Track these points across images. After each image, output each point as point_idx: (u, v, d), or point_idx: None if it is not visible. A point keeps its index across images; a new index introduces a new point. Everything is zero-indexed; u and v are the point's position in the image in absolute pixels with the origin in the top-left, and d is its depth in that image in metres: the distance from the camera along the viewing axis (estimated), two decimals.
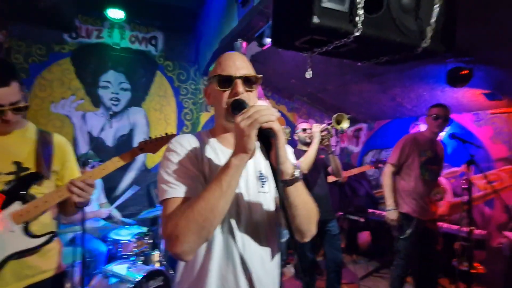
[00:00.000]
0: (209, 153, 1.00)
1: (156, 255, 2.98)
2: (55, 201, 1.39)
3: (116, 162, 1.55)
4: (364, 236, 4.80)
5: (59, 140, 1.52)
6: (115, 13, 3.87)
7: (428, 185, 2.75)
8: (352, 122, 5.24)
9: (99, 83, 4.05)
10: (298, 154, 2.79)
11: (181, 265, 1.00)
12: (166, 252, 3.01)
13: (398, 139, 2.87)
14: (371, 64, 1.64)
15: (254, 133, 0.78)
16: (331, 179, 3.12)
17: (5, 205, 1.34)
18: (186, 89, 4.57)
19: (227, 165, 0.82)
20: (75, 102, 3.91)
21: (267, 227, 1.00)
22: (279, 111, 5.27)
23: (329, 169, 2.98)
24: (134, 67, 4.22)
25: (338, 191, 4.70)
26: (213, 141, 1.04)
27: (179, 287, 0.99)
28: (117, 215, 3.27)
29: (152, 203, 4.14)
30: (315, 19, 1.15)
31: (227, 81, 0.96)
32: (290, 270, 3.94)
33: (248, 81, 0.97)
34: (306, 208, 0.93)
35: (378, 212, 4.40)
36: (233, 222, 0.95)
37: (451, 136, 2.99)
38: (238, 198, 0.96)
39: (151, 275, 2.54)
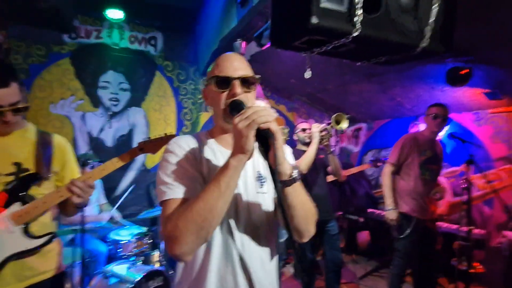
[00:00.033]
0: (208, 154, 1.00)
1: (156, 255, 2.98)
2: (55, 202, 1.39)
3: (115, 163, 1.55)
4: (364, 236, 4.80)
5: (59, 141, 1.52)
6: (115, 14, 3.86)
7: (428, 184, 2.76)
8: (352, 121, 5.24)
9: (98, 83, 4.04)
10: (298, 154, 2.79)
11: (180, 265, 1.00)
12: (166, 252, 3.01)
13: (398, 139, 2.87)
14: (371, 64, 1.64)
15: (252, 134, 0.78)
16: (330, 178, 3.12)
17: (5, 206, 1.34)
18: (186, 89, 4.58)
19: (225, 165, 0.82)
20: (74, 102, 3.91)
21: (266, 227, 1.01)
22: (279, 111, 5.28)
23: (329, 169, 2.98)
24: (133, 67, 4.22)
25: (337, 191, 4.71)
26: (211, 142, 1.04)
27: None
28: (117, 216, 3.26)
29: (151, 203, 4.14)
30: (314, 19, 1.15)
31: (225, 82, 0.96)
32: (290, 270, 3.94)
33: (246, 82, 0.97)
34: (304, 209, 0.93)
35: (377, 212, 4.40)
36: (232, 222, 0.95)
37: (451, 135, 2.99)
38: (237, 198, 0.96)
39: (150, 275, 2.54)
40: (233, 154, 0.81)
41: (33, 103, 3.66)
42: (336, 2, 1.19)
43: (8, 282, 1.31)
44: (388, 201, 2.77)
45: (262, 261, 0.98)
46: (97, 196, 3.34)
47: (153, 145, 1.65)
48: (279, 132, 0.81)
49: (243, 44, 3.06)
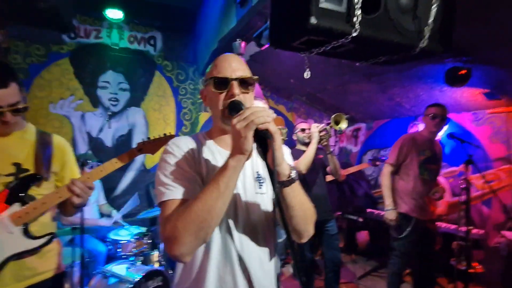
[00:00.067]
0: (207, 154, 1.00)
1: (155, 255, 2.98)
2: (54, 202, 1.39)
3: (114, 164, 1.55)
4: (363, 236, 4.81)
5: (59, 141, 1.52)
6: (114, 13, 3.87)
7: (427, 184, 2.76)
8: (351, 121, 5.26)
9: (98, 83, 4.04)
10: (297, 154, 2.79)
11: (179, 266, 1.00)
12: (165, 253, 3.01)
13: (397, 139, 2.87)
14: (370, 64, 1.65)
15: (250, 134, 0.78)
16: (329, 178, 3.12)
17: (7, 202, 1.34)
18: (185, 89, 4.58)
19: (224, 166, 0.82)
20: (74, 102, 3.91)
21: (265, 227, 1.01)
22: (278, 111, 5.28)
23: (328, 169, 2.98)
24: (133, 67, 4.22)
25: (336, 190, 4.71)
26: (210, 142, 1.04)
27: None
28: (119, 218, 3.24)
29: (151, 204, 4.14)
30: (313, 20, 1.15)
31: (223, 83, 0.96)
32: (289, 269, 3.95)
33: (244, 83, 0.97)
34: (303, 209, 0.93)
35: (376, 212, 4.41)
36: (231, 223, 0.95)
37: (450, 135, 2.99)
38: (235, 199, 0.96)
39: (150, 275, 2.54)
40: (231, 155, 0.82)
41: (33, 103, 3.66)
42: (335, 2, 1.19)
43: (8, 282, 1.31)
44: (388, 201, 2.77)
45: (261, 261, 0.99)
46: (97, 197, 3.33)
47: (152, 145, 1.65)
48: (278, 133, 0.81)
49: (243, 44, 3.06)
